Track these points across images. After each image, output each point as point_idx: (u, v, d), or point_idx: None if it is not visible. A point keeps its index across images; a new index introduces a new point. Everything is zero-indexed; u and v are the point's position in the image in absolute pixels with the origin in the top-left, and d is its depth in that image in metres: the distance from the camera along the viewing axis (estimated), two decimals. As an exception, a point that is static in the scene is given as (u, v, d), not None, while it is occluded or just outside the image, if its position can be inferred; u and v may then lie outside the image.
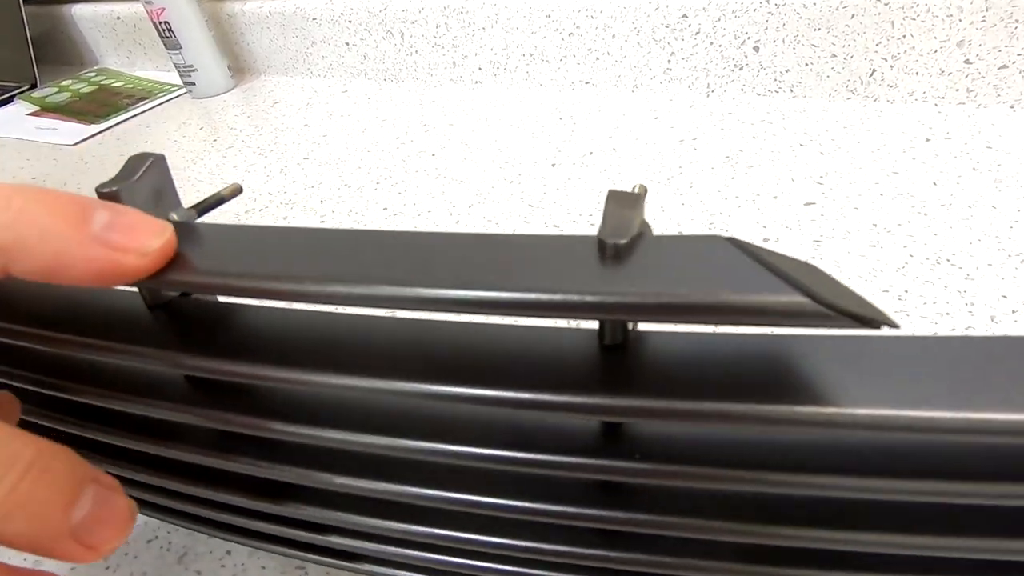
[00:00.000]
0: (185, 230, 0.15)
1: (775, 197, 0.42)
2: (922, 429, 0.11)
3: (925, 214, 0.39)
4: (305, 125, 0.65)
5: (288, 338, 0.15)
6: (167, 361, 0.15)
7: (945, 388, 0.11)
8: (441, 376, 0.13)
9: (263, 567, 0.25)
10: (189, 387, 0.16)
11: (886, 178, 0.43)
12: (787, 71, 0.53)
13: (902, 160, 0.44)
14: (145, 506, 0.24)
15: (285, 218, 0.49)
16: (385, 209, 0.48)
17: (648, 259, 0.12)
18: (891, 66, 0.50)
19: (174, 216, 0.16)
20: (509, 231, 0.43)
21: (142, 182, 0.15)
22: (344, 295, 0.12)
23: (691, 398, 0.12)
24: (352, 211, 0.49)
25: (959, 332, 0.30)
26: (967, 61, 0.47)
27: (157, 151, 0.65)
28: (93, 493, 0.13)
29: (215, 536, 0.24)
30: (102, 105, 0.79)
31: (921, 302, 0.32)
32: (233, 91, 0.78)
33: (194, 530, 0.25)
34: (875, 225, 0.38)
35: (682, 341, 0.13)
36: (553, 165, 0.50)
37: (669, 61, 0.57)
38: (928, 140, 0.46)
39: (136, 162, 0.15)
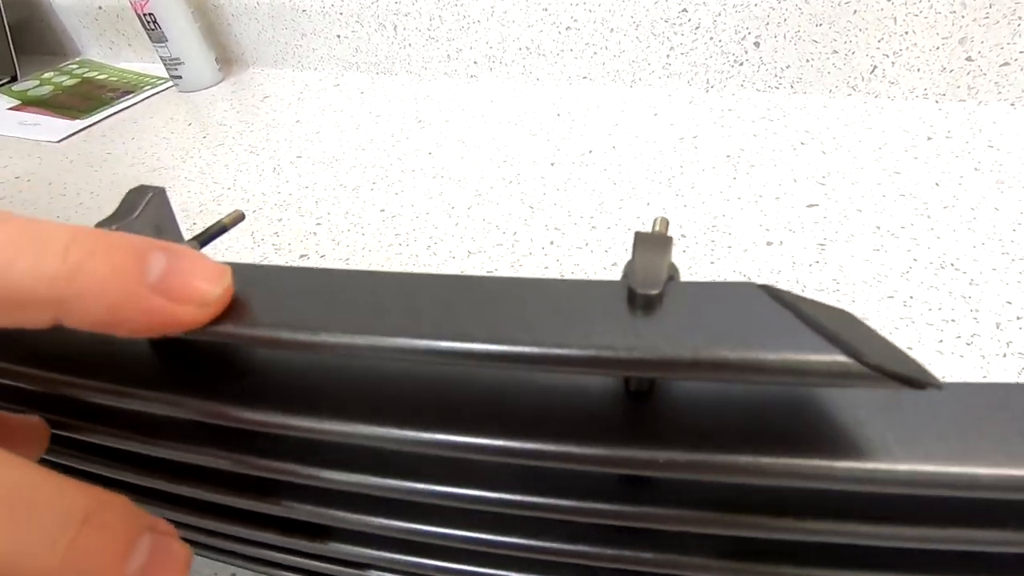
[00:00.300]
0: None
1: (777, 198, 0.42)
2: (965, 487, 0.11)
3: (928, 216, 0.38)
4: (297, 121, 0.64)
5: (306, 377, 0.14)
6: (179, 407, 0.14)
7: (985, 441, 0.11)
8: (461, 424, 0.13)
9: (270, 589, 0.24)
10: (207, 428, 0.16)
11: (888, 179, 0.42)
12: (788, 67, 0.53)
13: (904, 160, 0.44)
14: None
15: (280, 220, 0.48)
16: (382, 211, 0.47)
17: (681, 311, 0.11)
18: (892, 63, 0.49)
19: (176, 250, 0.15)
20: (511, 234, 0.42)
21: (142, 218, 0.14)
22: (399, 348, 0.12)
23: (722, 451, 0.12)
24: (348, 213, 0.48)
25: (964, 339, 0.30)
26: (969, 58, 0.47)
27: (144, 148, 0.64)
28: (149, 542, 0.12)
29: (248, 568, 0.24)
30: (86, 99, 0.77)
31: (926, 308, 0.32)
32: (221, 84, 0.76)
33: (226, 563, 0.24)
34: (878, 228, 0.38)
35: (711, 388, 0.13)
36: (552, 164, 0.50)
37: (668, 56, 0.56)
38: (930, 139, 0.46)
39: (135, 197, 0.14)
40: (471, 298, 0.12)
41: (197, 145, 0.63)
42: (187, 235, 0.17)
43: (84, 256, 0.11)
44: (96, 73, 0.85)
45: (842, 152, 0.46)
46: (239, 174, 0.56)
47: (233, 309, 0.12)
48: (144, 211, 0.14)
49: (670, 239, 0.12)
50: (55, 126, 0.71)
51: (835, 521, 0.12)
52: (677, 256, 0.38)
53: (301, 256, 0.44)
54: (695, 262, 0.38)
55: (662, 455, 0.12)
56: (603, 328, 0.11)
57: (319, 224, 0.47)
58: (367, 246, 0.44)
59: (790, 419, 0.12)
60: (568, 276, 0.38)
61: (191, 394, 0.14)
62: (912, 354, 0.29)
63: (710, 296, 0.11)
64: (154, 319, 0.11)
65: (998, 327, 0.31)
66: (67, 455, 0.18)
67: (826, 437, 0.12)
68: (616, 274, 0.38)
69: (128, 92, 0.77)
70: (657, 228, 0.14)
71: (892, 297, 0.33)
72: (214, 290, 0.12)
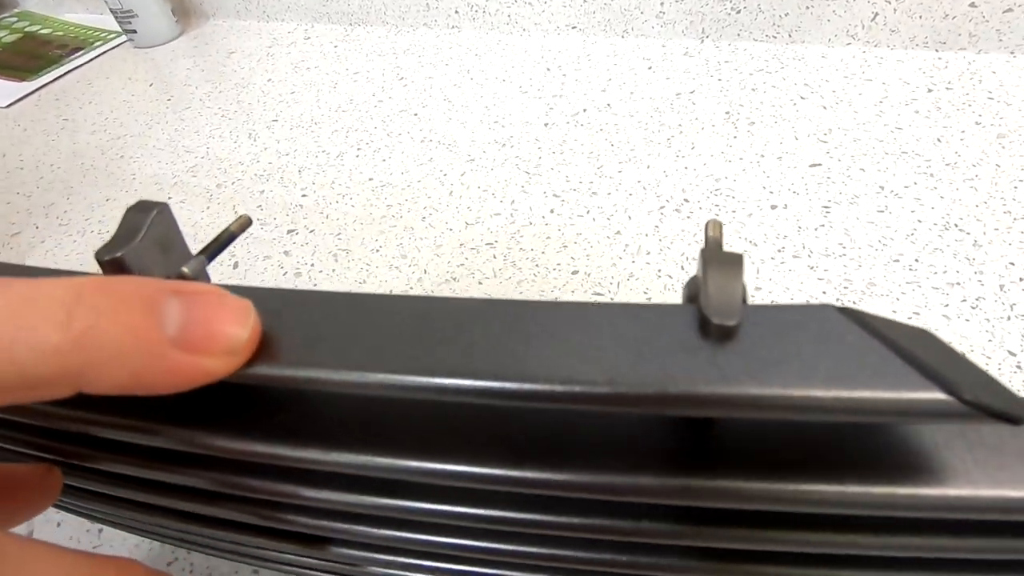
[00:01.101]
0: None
1: (779, 158, 0.41)
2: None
3: (931, 175, 0.38)
4: (269, 80, 0.60)
5: (347, 409, 0.13)
6: (188, 442, 0.13)
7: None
8: (524, 458, 0.12)
9: (295, 584, 0.24)
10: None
11: (890, 135, 0.42)
12: (786, 15, 0.50)
13: (905, 114, 0.43)
14: (161, 536, 0.23)
15: (262, 192, 0.46)
16: (371, 180, 0.45)
17: (762, 343, 0.10)
18: (895, 9, 0.47)
19: (185, 270, 0.14)
20: (509, 203, 0.41)
21: (147, 239, 0.13)
22: (455, 388, 0.11)
23: (800, 480, 0.11)
24: (335, 182, 0.45)
25: (969, 303, 0.31)
26: (972, 4, 0.45)
27: (104, 113, 0.60)
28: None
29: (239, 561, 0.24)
30: (32, 57, 0.71)
31: (931, 271, 0.32)
32: (180, 39, 0.71)
33: (216, 556, 0.24)
34: (882, 188, 0.38)
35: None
36: (546, 125, 0.48)
37: (662, 4, 0.53)
38: (930, 91, 0.45)
39: (137, 217, 0.13)
40: (528, 330, 0.11)
41: (162, 109, 0.58)
42: (194, 248, 0.15)
43: (90, 319, 0.09)
44: (38, 27, 0.78)
45: (843, 107, 0.45)
46: (212, 141, 0.53)
47: (263, 348, 0.11)
48: (149, 231, 0.13)
49: (742, 258, 0.11)
50: (1, 89, 0.65)
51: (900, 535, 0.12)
52: (683, 223, 0.37)
53: (289, 231, 0.42)
54: (701, 228, 0.37)
55: (741, 485, 0.11)
56: (680, 364, 0.10)
57: (304, 195, 0.45)
58: (358, 219, 0.42)
59: (866, 443, 0.12)
60: (571, 246, 0.37)
61: (221, 432, 0.13)
62: (918, 320, 0.29)
63: (789, 324, 0.11)
64: (181, 377, 0.10)
65: (1002, 289, 0.31)
66: (77, 476, 0.17)
67: (909, 463, 0.11)
68: (619, 245, 0.37)
69: (78, 49, 0.71)
70: (711, 234, 0.13)
71: (898, 261, 0.33)
72: (241, 334, 0.11)
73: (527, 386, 0.10)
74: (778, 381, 0.10)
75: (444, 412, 0.13)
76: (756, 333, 0.11)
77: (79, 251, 0.43)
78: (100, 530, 0.27)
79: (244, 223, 0.16)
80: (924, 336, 0.11)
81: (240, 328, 0.11)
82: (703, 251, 0.12)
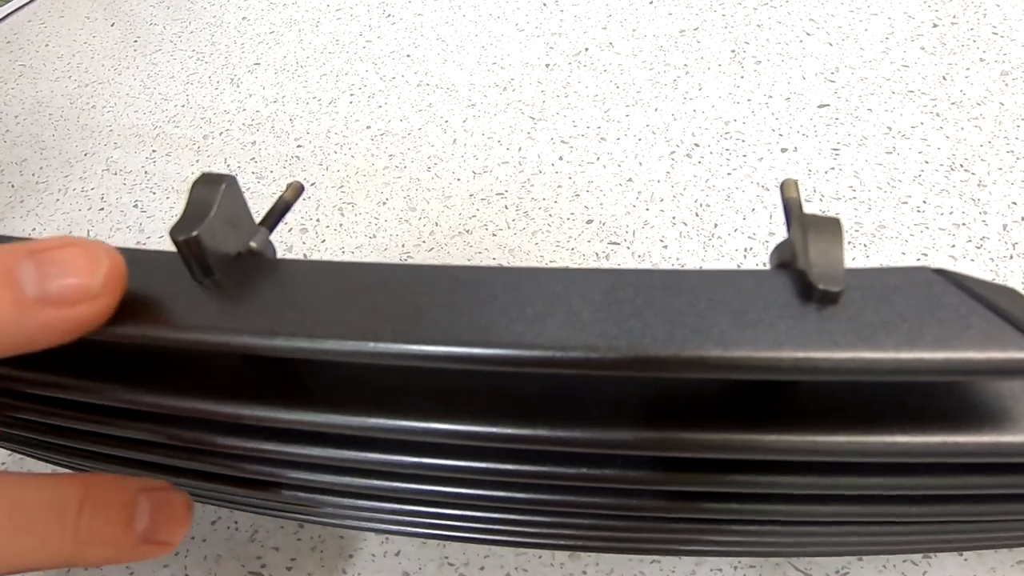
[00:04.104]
0: (265, 268, 0.12)
1: (787, 99, 0.41)
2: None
3: (937, 114, 0.38)
4: (244, 19, 0.56)
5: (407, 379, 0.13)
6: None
7: None
8: (616, 419, 0.12)
9: (341, 536, 0.25)
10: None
11: (896, 73, 0.41)
12: (792, -57, 0.49)
13: (911, 51, 0.43)
14: (203, 498, 0.23)
15: (253, 143, 0.44)
16: (368, 128, 0.43)
17: (865, 307, 0.11)
18: (903, -62, 0.46)
19: (253, 245, 0.13)
20: (516, 151, 0.40)
21: (219, 215, 0.12)
22: (533, 359, 0.11)
23: (890, 432, 0.12)
24: (330, 132, 0.44)
25: (974, 243, 0.32)
26: (982, -68, 0.44)
27: (65, 57, 0.56)
28: (147, 501, 0.14)
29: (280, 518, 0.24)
30: (-29, -6, 0.64)
31: (938, 213, 0.33)
32: (138, -29, 0.65)
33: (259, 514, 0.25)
34: (889, 129, 0.38)
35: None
36: (547, 66, 0.46)
37: (663, -69, 0.51)
38: (935, 25, 0.44)
39: (206, 191, 0.12)
40: (634, 300, 0.11)
41: (128, 52, 0.54)
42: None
43: None
44: (-27, -42, 0.70)
45: (849, 43, 0.44)
46: (190, 87, 0.49)
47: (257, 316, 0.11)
48: (220, 207, 0.12)
49: (840, 223, 0.11)
50: (-57, 32, 0.59)
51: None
52: (694, 169, 0.37)
53: (288, 185, 0.40)
54: (712, 174, 0.37)
55: (832, 439, 0.12)
56: (789, 331, 0.11)
57: (300, 146, 0.43)
58: (360, 170, 0.41)
59: (948, 394, 0.12)
60: (583, 194, 0.37)
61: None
62: (926, 260, 0.30)
63: (889, 287, 0.11)
64: (56, 330, 0.11)
65: (1005, 228, 0.32)
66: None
67: (992, 412, 0.12)
68: (632, 192, 0.37)
69: (23, -16, 0.65)
70: (791, 195, 0.13)
71: (906, 203, 0.34)
72: (95, 280, 0.11)
73: (642, 354, 0.11)
74: (889, 345, 0.10)
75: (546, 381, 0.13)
76: (858, 297, 0.11)
77: (64, 210, 0.41)
78: (137, 494, 0.28)
79: (297, 190, 0.16)
80: (1011, 294, 0.11)
81: (91, 277, 0.11)
82: (800, 216, 0.12)
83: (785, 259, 0.12)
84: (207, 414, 0.13)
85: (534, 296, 0.11)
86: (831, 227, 0.11)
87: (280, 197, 0.15)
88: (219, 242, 0.12)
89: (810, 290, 0.11)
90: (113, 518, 0.14)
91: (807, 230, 0.11)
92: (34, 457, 0.25)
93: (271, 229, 0.14)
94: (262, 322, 0.11)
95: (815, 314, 0.11)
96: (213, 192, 0.12)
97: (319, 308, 0.12)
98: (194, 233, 0.12)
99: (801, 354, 0.10)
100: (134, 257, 0.12)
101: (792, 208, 0.13)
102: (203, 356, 0.14)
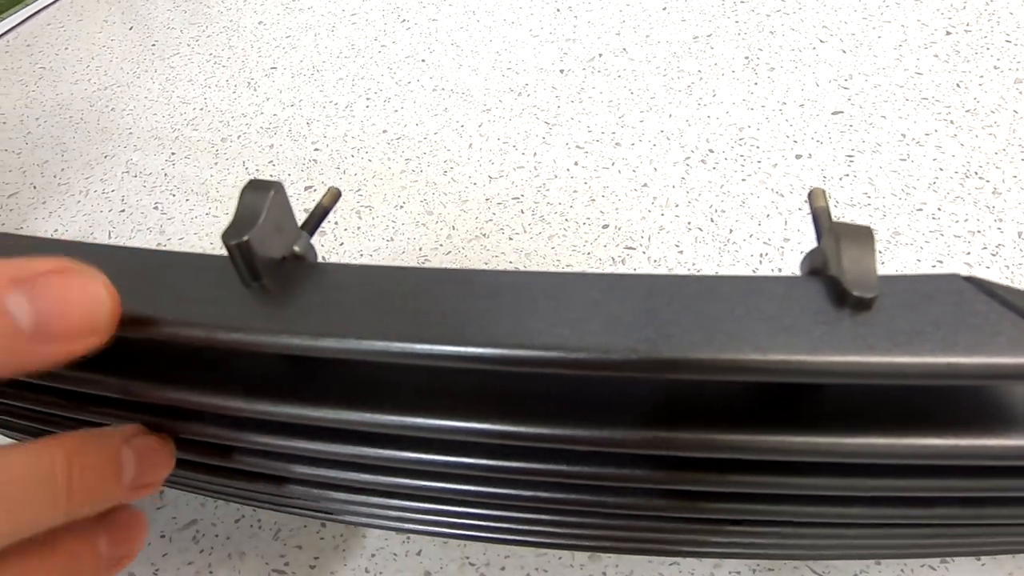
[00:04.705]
0: (307, 273, 0.13)
1: (801, 106, 0.41)
2: None
3: (951, 122, 0.38)
4: (260, 23, 0.57)
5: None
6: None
7: None
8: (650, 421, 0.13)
9: (363, 535, 0.25)
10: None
11: (910, 80, 0.42)
12: (805, -49, 0.49)
13: (924, 58, 0.43)
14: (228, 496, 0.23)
15: (271, 146, 0.44)
16: (384, 132, 0.44)
17: (897, 313, 0.11)
18: (916, -54, 0.46)
19: (297, 249, 0.14)
20: (531, 156, 0.40)
21: (268, 221, 0.13)
22: (571, 361, 0.11)
23: (922, 434, 0.12)
24: (347, 135, 0.44)
25: (990, 251, 0.32)
26: (995, -59, 0.44)
27: (84, 60, 0.56)
28: (132, 451, 0.14)
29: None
30: (-9, -2, 0.65)
31: (953, 220, 0.33)
32: (155, -24, 0.66)
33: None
34: (903, 136, 0.38)
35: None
36: (562, 72, 0.46)
37: (677, -62, 0.51)
38: (949, 33, 0.44)
39: (255, 198, 0.13)
40: (666, 302, 0.12)
41: (147, 55, 0.55)
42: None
43: None
44: (-7, -38, 0.71)
45: (862, 50, 0.44)
46: (208, 91, 0.50)
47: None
48: (269, 213, 0.12)
49: (872, 232, 0.12)
50: (-35, 35, 0.60)
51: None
52: (709, 175, 0.38)
53: (306, 187, 0.41)
54: (727, 180, 0.37)
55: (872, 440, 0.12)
56: (824, 336, 0.11)
57: (317, 150, 0.43)
58: (377, 173, 0.41)
59: (974, 398, 0.12)
60: (599, 199, 0.37)
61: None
62: (942, 268, 0.30)
63: (921, 294, 0.11)
64: (52, 362, 0.11)
65: (1020, 236, 0.32)
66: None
67: (1018, 415, 0.12)
68: (647, 198, 0.37)
69: (42, -13, 0.66)
70: (819, 204, 0.14)
71: (921, 210, 0.34)
72: (99, 313, 0.11)
73: (678, 356, 0.11)
74: (924, 351, 0.10)
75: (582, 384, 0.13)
76: (891, 304, 0.11)
77: (86, 212, 0.42)
78: (161, 492, 0.28)
79: (335, 195, 0.16)
80: (1041, 301, 0.12)
81: (94, 306, 0.11)
82: (831, 225, 0.12)
83: (816, 266, 0.13)
84: (248, 412, 0.14)
85: (574, 301, 0.12)
86: (864, 235, 0.12)
87: (319, 203, 0.15)
88: (267, 247, 0.13)
89: (844, 296, 0.11)
90: (101, 473, 0.13)
91: (840, 239, 0.12)
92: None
93: (311, 233, 0.15)
94: (312, 325, 0.12)
95: (849, 319, 0.11)
96: (262, 198, 0.13)
97: (366, 311, 0.12)
98: (245, 238, 0.12)
99: (838, 358, 0.11)
100: (185, 260, 0.13)
101: (821, 217, 0.13)
102: (238, 357, 0.15)
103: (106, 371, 0.14)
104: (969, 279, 0.12)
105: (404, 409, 0.13)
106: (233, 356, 0.14)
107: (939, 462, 0.12)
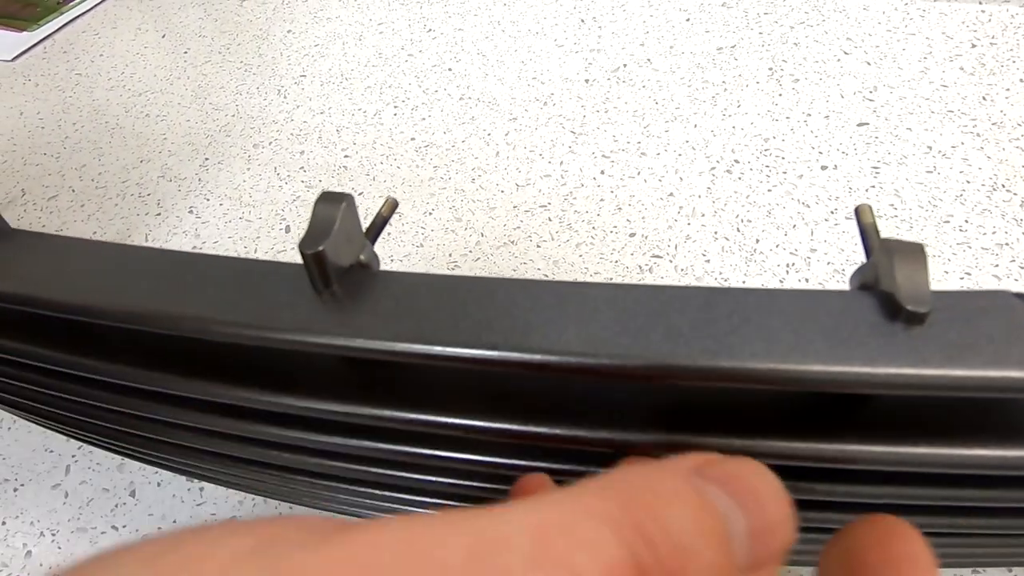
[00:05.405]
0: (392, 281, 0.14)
1: (826, 117, 0.41)
2: None
3: (978, 134, 0.39)
4: (289, 32, 0.58)
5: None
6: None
7: None
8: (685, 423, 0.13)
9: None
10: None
11: (936, 93, 0.42)
12: (830, -36, 0.49)
13: (950, 71, 0.43)
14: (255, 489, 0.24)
15: (302, 152, 0.45)
16: (412, 140, 0.45)
17: (950, 328, 0.11)
18: (941, -41, 0.47)
19: (363, 258, 0.14)
20: (558, 164, 0.41)
21: (340, 231, 0.13)
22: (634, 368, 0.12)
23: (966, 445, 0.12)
24: (376, 143, 0.45)
25: (1018, 263, 0.32)
26: (1022, -45, 0.45)
27: (118, 67, 0.58)
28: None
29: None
30: (28, 5, 0.67)
31: (980, 232, 0.34)
32: (186, -15, 0.67)
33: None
34: (930, 148, 0.38)
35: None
36: (587, 82, 0.47)
37: (701, -49, 0.52)
38: (974, 46, 0.45)
39: (328, 209, 0.13)
40: (725, 314, 0.12)
41: (180, 63, 0.56)
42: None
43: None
44: (30, -29, 0.73)
45: (887, 62, 0.45)
46: (239, 98, 0.51)
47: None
48: (342, 223, 0.13)
49: (923, 248, 0.12)
50: (5, 41, 0.62)
51: None
52: (735, 185, 0.38)
53: (385, 201, 0.42)
54: (753, 190, 0.37)
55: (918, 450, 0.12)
56: (880, 349, 0.11)
57: (347, 156, 0.44)
58: (406, 180, 0.42)
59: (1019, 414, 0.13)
60: (625, 207, 0.38)
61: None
62: (970, 281, 0.30)
63: (972, 310, 0.12)
64: None
65: (1048, 250, 0.32)
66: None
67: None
68: (673, 207, 0.37)
69: (77, -4, 0.67)
70: (866, 220, 0.14)
71: (948, 222, 0.34)
72: (790, 530, 0.09)
73: (736, 365, 0.11)
74: (977, 364, 0.11)
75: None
76: (943, 318, 0.12)
77: (123, 215, 0.43)
78: (201, 488, 0.29)
79: (392, 205, 0.17)
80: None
81: (788, 520, 0.08)
82: (882, 241, 0.13)
83: (868, 281, 0.13)
84: (312, 412, 0.15)
85: (636, 312, 0.12)
86: (915, 251, 0.12)
87: (378, 212, 0.16)
88: (338, 256, 0.13)
89: (897, 311, 0.12)
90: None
91: (893, 254, 0.12)
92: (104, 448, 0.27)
93: (373, 242, 0.15)
94: (386, 330, 0.12)
95: (903, 333, 0.12)
96: (335, 209, 0.13)
97: (434, 317, 0.13)
98: (320, 248, 0.13)
99: (895, 370, 0.11)
100: (261, 268, 0.14)
101: (870, 233, 0.14)
102: (297, 360, 0.15)
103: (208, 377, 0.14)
104: (1020, 295, 0.12)
105: (474, 411, 0.14)
106: (287, 360, 0.15)
107: (986, 471, 0.13)
